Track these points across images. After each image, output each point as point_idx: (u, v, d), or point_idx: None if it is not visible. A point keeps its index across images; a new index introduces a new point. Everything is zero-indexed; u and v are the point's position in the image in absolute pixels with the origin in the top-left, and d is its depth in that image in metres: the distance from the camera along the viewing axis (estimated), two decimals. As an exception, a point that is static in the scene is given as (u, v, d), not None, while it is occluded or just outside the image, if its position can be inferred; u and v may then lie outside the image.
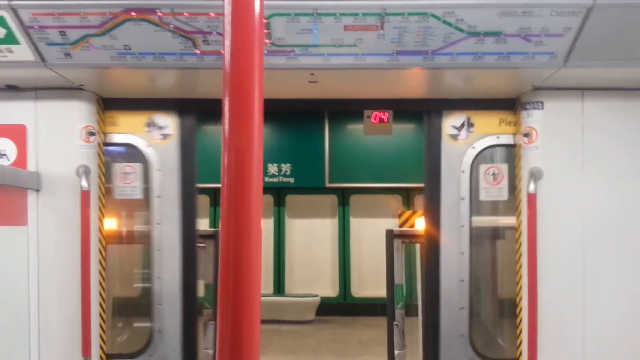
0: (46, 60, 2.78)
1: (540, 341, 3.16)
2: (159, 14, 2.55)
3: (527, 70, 2.86)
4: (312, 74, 2.93)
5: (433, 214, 3.42)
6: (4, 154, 3.22)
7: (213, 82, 3.03)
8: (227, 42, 1.02)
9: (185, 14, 2.56)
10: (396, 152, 8.95)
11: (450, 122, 3.41)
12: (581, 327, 3.22)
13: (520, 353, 3.33)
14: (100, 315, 3.36)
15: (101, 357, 3.36)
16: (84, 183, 3.16)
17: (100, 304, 3.36)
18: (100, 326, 3.36)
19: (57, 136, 3.26)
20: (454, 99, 3.42)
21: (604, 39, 2.64)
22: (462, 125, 3.41)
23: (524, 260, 3.26)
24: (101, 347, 3.37)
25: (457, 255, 3.39)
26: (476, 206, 3.44)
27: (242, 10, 1.03)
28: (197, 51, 2.72)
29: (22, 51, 2.74)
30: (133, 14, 2.56)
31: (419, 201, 9.59)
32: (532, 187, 3.16)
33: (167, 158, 3.44)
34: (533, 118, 3.26)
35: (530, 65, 2.78)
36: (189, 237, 3.47)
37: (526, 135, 3.27)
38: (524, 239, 3.25)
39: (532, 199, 3.15)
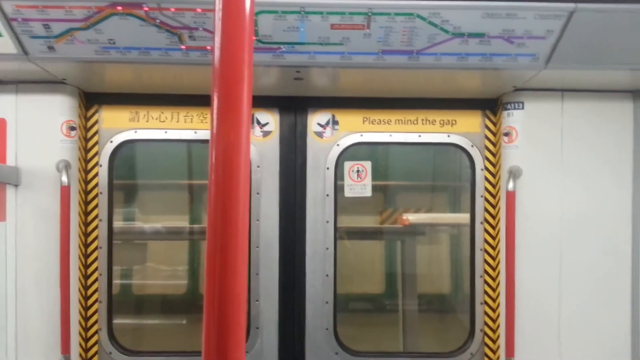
0: (29, 53, 2.73)
1: (517, 336, 3.24)
2: (145, 8, 2.53)
3: (509, 72, 2.91)
4: (298, 72, 2.94)
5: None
6: None
7: (198, 78, 3.01)
8: (217, 38, 1.03)
9: (172, 9, 2.54)
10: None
11: (316, 120, 3.49)
12: (557, 323, 3.31)
13: (498, 347, 3.40)
14: (80, 312, 3.33)
15: (80, 355, 3.33)
16: (64, 178, 3.12)
17: (80, 301, 3.32)
18: (80, 323, 3.33)
19: (38, 130, 3.20)
20: (433, 98, 3.46)
21: (585, 42, 2.70)
22: (327, 123, 3.50)
23: (502, 257, 3.33)
24: (80, 345, 3.34)
25: (323, 251, 3.46)
26: None
27: (233, 5, 1.03)
28: (183, 47, 2.71)
29: (4, 44, 2.68)
30: (119, 8, 2.53)
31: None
32: (511, 185, 3.23)
33: None
34: (513, 118, 3.32)
35: (513, 67, 2.83)
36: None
37: (506, 134, 3.34)
38: (502, 236, 3.31)
39: (511, 196, 3.22)
